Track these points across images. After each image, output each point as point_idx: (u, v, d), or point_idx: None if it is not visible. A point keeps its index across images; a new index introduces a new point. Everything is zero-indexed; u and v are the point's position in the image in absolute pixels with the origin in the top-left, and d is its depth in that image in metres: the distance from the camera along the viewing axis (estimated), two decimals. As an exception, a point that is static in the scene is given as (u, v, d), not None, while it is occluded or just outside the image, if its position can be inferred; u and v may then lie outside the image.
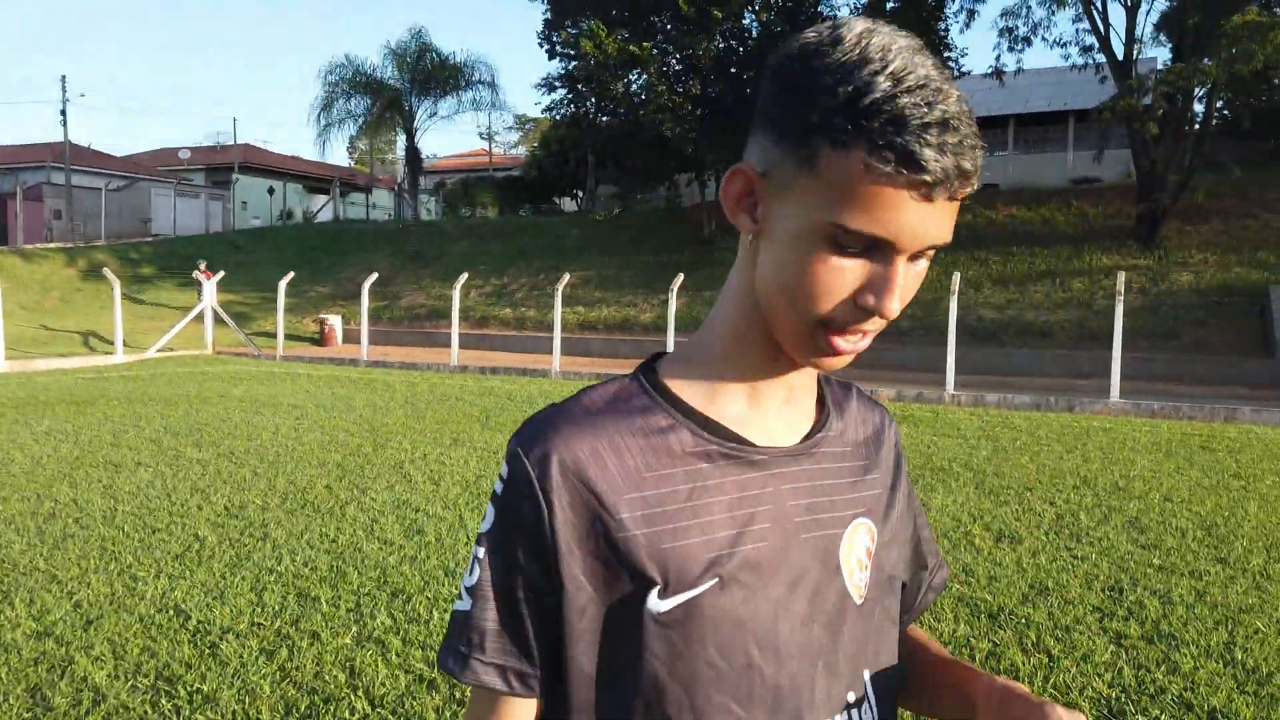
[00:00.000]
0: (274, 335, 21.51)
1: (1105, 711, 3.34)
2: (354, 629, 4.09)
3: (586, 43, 20.58)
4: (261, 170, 42.57)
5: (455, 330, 17.86)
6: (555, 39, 26.12)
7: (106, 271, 19.82)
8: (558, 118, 25.44)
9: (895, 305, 0.73)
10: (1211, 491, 7.08)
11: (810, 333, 0.77)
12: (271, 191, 39.05)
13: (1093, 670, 3.67)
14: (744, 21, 23.44)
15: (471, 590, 0.82)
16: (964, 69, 23.61)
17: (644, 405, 0.84)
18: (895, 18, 20.79)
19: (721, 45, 23.81)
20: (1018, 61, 23.11)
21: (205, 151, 46.49)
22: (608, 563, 0.79)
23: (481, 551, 0.82)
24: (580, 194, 38.38)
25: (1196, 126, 19.20)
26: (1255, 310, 16.10)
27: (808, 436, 0.88)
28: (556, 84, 26.17)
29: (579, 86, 23.60)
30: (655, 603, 0.78)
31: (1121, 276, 13.26)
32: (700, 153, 21.11)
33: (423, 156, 29.82)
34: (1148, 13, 37.47)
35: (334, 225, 33.54)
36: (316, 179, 44.15)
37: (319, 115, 26.85)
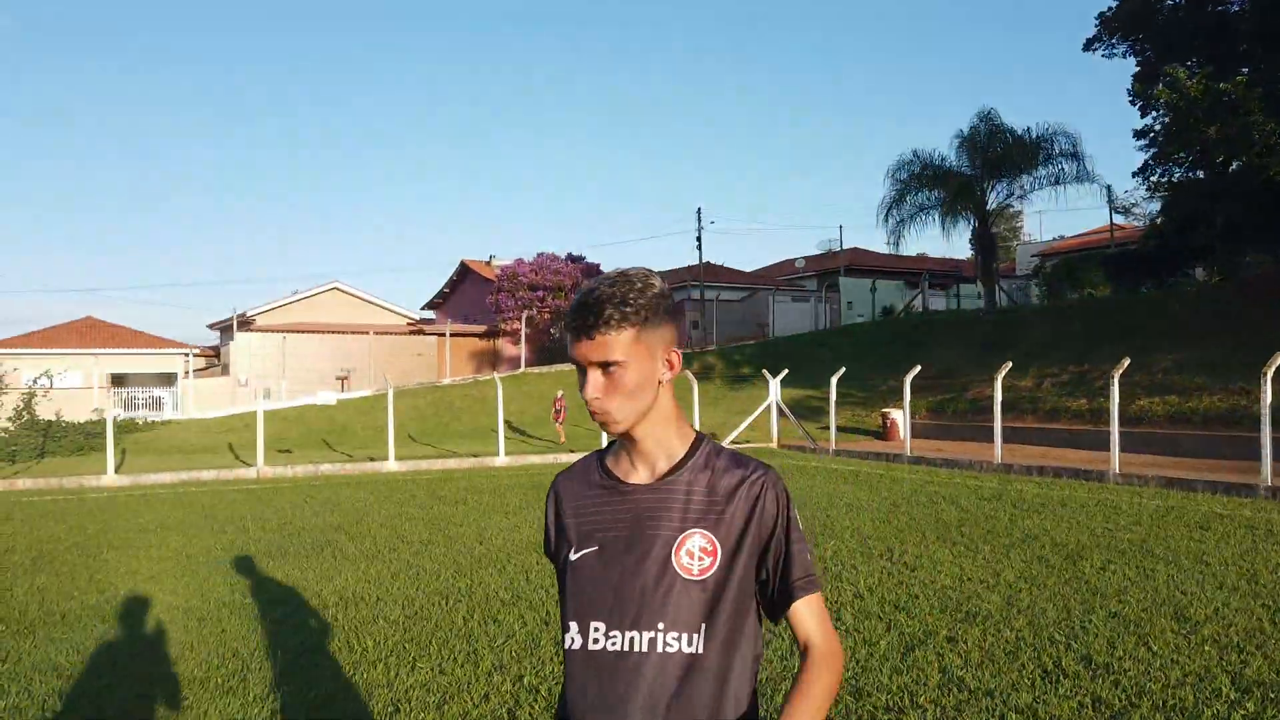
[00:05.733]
0: (847, 429, 22.24)
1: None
2: None
3: (1164, 91, 17.71)
4: (866, 270, 44.70)
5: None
6: (1149, 92, 23.08)
7: (688, 373, 22.68)
8: (1151, 181, 22.08)
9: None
10: None
11: None
12: (874, 289, 40.68)
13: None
14: None
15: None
16: None
17: None
18: None
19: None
20: None
21: (818, 258, 50.59)
22: None
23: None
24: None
25: None
26: None
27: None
28: (1159, 139, 22.97)
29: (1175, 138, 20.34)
30: None
31: None
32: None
33: (999, 241, 28.37)
34: None
35: (915, 318, 33.62)
36: (915, 274, 44.81)
37: (888, 213, 27.39)
